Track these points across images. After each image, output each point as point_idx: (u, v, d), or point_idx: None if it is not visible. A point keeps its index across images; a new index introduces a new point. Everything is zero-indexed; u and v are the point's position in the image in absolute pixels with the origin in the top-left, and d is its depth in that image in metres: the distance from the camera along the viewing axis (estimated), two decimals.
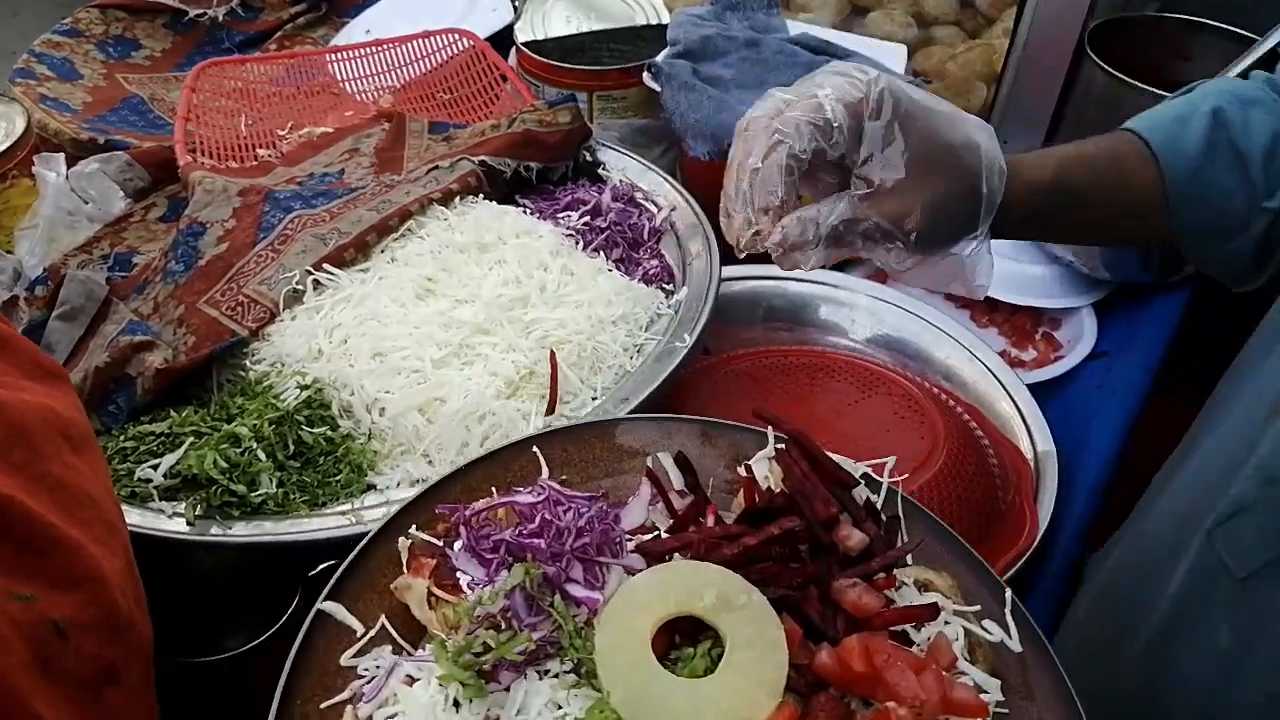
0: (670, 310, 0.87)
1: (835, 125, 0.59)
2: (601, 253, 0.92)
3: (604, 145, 1.08)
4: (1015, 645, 0.54)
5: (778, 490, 0.59)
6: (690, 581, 0.53)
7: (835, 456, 0.60)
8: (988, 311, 1.16)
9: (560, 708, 0.49)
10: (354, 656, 0.54)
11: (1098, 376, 1.07)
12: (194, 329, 0.82)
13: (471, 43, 1.25)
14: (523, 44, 1.20)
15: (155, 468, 0.71)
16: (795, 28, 1.21)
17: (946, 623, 0.53)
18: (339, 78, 1.29)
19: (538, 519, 0.57)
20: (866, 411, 0.88)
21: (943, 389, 0.96)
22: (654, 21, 1.26)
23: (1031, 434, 0.91)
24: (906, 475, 0.78)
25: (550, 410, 0.75)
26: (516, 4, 1.32)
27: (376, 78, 1.28)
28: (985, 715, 0.49)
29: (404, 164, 1.03)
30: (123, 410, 0.78)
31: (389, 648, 0.55)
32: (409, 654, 0.55)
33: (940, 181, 0.61)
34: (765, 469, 0.61)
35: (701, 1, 1.24)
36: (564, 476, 0.64)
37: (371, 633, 0.55)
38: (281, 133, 1.13)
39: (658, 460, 0.64)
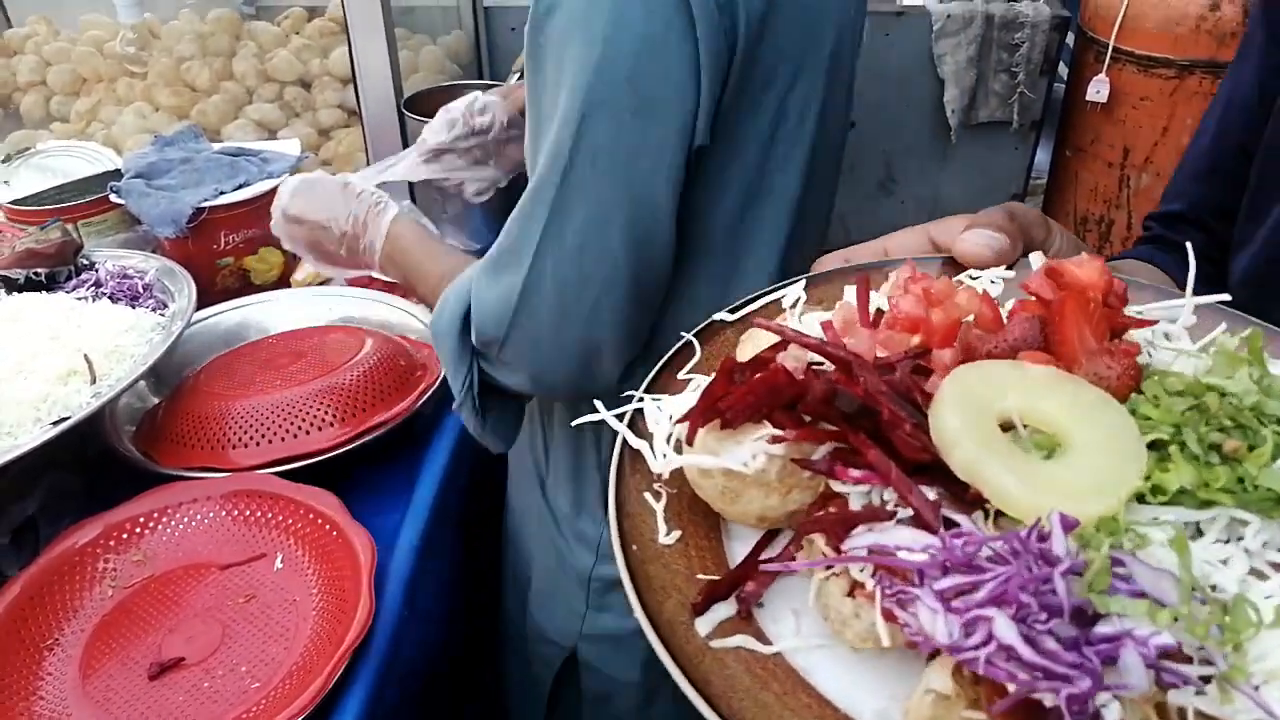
0: (165, 320, 1.29)
1: None
2: (108, 302, 1.31)
3: (97, 250, 1.48)
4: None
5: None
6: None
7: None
8: None
9: None
10: None
11: None
12: None
13: None
14: (8, 204, 1.56)
15: None
16: (219, 146, 1.69)
17: None
18: None
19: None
20: (326, 346, 1.36)
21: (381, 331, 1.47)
22: (113, 168, 1.67)
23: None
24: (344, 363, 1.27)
25: (93, 381, 1.14)
26: None
27: None
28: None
29: None
30: None
31: None
32: None
33: None
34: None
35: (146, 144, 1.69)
36: None
37: None
38: None
39: None
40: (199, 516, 1.12)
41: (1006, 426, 0.56)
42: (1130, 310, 0.65)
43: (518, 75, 1.70)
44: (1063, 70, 2.69)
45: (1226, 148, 1.07)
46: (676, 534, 0.62)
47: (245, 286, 1.62)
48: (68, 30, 2.21)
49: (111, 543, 1.09)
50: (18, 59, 2.17)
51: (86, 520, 1.10)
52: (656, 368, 0.69)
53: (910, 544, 0.52)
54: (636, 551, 0.60)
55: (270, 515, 1.11)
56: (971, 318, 0.63)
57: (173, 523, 1.11)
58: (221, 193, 1.53)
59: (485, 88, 1.83)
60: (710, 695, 0.52)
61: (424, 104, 1.71)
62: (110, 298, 1.33)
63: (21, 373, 1.13)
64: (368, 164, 1.73)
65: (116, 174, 1.62)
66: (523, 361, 1.11)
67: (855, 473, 0.56)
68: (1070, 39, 2.55)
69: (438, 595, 1.21)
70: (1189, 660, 0.46)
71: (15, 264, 1.35)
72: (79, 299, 1.31)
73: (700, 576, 0.59)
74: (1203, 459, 0.52)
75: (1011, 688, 0.45)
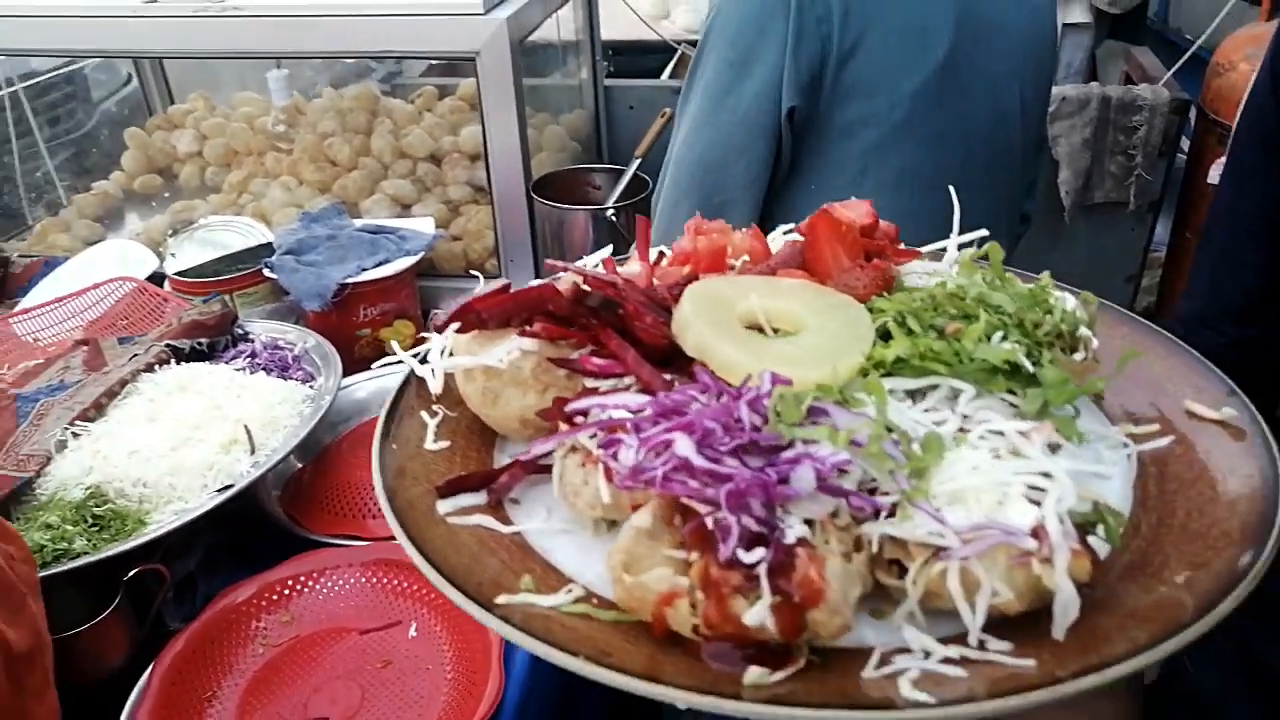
0: (314, 393, 1.39)
1: None
2: (264, 374, 1.42)
3: (251, 320, 1.60)
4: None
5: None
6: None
7: None
8: None
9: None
10: None
11: None
12: None
13: (133, 283, 1.72)
14: (174, 275, 1.70)
15: None
16: (360, 223, 1.82)
17: None
18: (22, 334, 1.70)
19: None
20: None
21: None
22: (264, 241, 1.81)
23: None
24: None
25: (252, 452, 1.24)
26: (159, 251, 1.82)
27: (58, 326, 1.70)
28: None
29: (108, 364, 1.48)
30: None
31: None
32: None
33: None
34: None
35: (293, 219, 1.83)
36: None
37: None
38: (1, 372, 1.53)
39: None
40: (341, 582, 1.20)
41: (757, 329, 0.60)
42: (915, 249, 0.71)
43: (639, 162, 1.79)
44: (1184, 143, 2.66)
45: (1236, 265, 1.19)
46: (445, 444, 0.66)
47: (380, 355, 1.72)
48: (223, 106, 2.39)
49: (264, 603, 1.17)
50: (178, 133, 2.36)
51: (243, 582, 1.19)
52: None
53: (628, 403, 0.56)
54: (396, 450, 0.64)
55: (406, 584, 1.18)
56: (746, 258, 0.70)
57: (318, 587, 1.20)
58: (363, 269, 1.64)
59: (608, 172, 1.93)
60: (428, 551, 0.55)
61: (551, 187, 1.81)
62: (265, 369, 1.44)
63: (190, 441, 1.24)
64: (496, 241, 1.83)
65: (268, 247, 1.76)
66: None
67: (598, 361, 0.61)
68: (1192, 115, 2.52)
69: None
70: (885, 495, 0.50)
71: (183, 334, 1.48)
72: (238, 370, 1.42)
73: (460, 474, 0.63)
74: (923, 335, 0.57)
75: (703, 508, 0.48)
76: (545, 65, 2.36)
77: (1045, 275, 0.67)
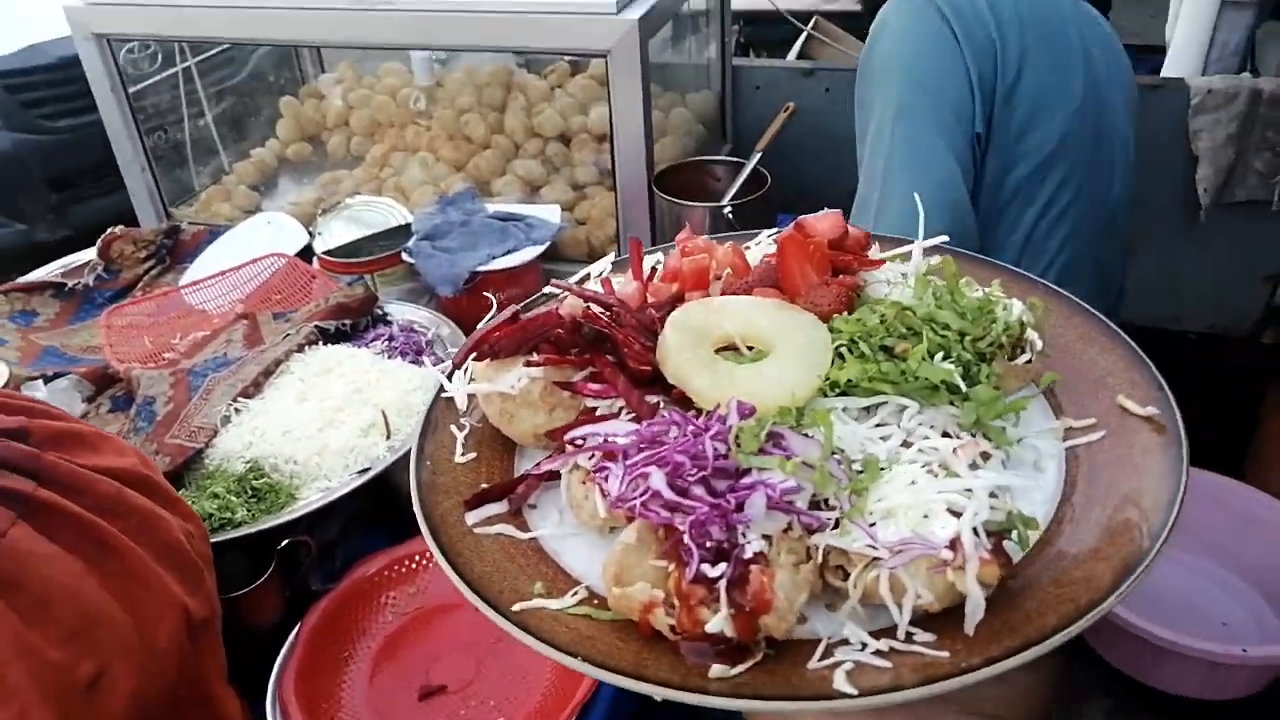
0: None
1: None
2: (399, 357, 1.56)
3: (389, 301, 1.74)
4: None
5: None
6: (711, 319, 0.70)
7: None
8: None
9: None
10: None
11: None
12: (167, 452, 1.39)
13: (285, 259, 1.88)
14: (322, 253, 1.85)
15: None
16: (493, 206, 1.93)
17: None
18: (194, 304, 1.88)
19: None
20: None
21: None
22: (403, 222, 1.94)
23: None
24: None
25: (388, 436, 1.37)
26: (310, 229, 1.97)
27: (224, 297, 1.88)
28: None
29: (264, 340, 1.64)
30: None
31: None
32: None
33: None
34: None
35: (431, 202, 1.95)
36: None
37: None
38: (174, 341, 1.71)
39: None
40: None
41: (732, 348, 0.69)
42: (880, 257, 0.77)
43: (759, 156, 1.83)
44: None
45: None
46: (472, 455, 0.75)
47: None
48: (369, 76, 2.52)
49: (393, 576, 1.31)
50: (326, 102, 2.52)
51: (375, 554, 1.33)
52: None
53: (617, 431, 0.66)
54: (429, 466, 0.73)
55: None
56: (729, 271, 0.78)
57: None
58: (493, 257, 1.75)
59: (729, 165, 1.97)
60: (457, 563, 0.64)
61: (673, 177, 1.87)
62: (401, 353, 1.57)
63: (334, 424, 1.38)
64: (618, 230, 1.91)
65: (406, 229, 1.88)
66: None
67: (594, 386, 0.71)
68: None
69: None
70: (832, 509, 0.59)
71: (329, 316, 1.63)
72: (377, 353, 1.56)
73: (484, 486, 0.72)
74: (872, 358, 0.65)
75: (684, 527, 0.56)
76: (675, 41, 2.39)
77: (995, 283, 0.74)
